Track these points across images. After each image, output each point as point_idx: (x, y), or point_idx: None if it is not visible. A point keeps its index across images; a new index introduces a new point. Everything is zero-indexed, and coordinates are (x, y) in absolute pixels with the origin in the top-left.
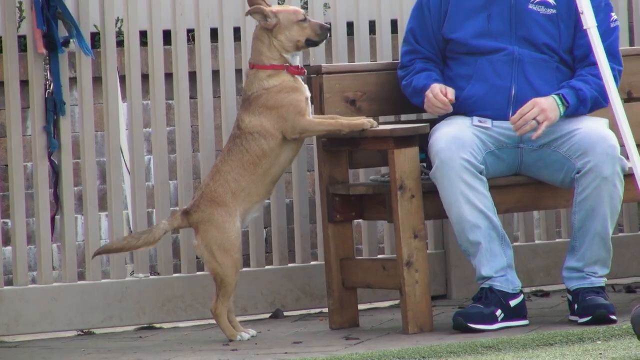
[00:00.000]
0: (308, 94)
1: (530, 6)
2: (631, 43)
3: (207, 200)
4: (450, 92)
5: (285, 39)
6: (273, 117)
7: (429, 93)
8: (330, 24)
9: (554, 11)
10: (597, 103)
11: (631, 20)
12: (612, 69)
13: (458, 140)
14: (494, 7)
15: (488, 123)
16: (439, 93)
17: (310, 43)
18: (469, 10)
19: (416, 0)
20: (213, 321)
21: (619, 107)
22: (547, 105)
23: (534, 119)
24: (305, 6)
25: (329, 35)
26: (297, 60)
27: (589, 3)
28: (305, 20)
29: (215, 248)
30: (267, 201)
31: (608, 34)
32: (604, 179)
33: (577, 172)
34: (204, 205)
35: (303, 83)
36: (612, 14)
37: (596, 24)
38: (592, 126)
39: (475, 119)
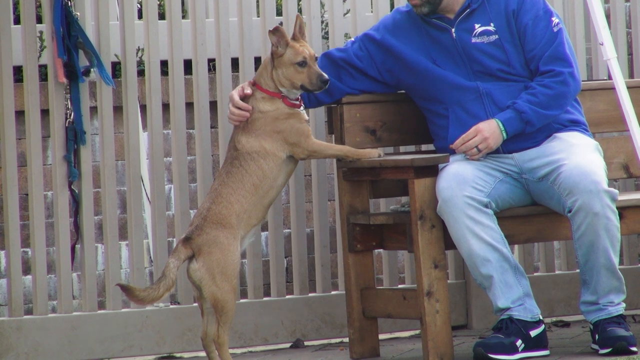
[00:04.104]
0: (306, 117)
1: (474, 40)
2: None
3: (212, 223)
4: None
5: (282, 75)
6: (274, 141)
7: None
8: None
9: (497, 36)
10: (545, 118)
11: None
12: (561, 72)
13: (459, 177)
14: (437, 53)
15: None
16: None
17: (305, 89)
18: (415, 58)
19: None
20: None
21: (637, 131)
22: (490, 133)
23: (476, 146)
24: (326, 36)
25: (326, 87)
26: (294, 96)
27: (609, 35)
28: (304, 64)
29: (217, 272)
30: (288, 230)
31: (552, 39)
32: (595, 214)
33: (569, 211)
34: (208, 228)
35: (301, 111)
36: (553, 18)
37: (616, 55)
38: (576, 160)
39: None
